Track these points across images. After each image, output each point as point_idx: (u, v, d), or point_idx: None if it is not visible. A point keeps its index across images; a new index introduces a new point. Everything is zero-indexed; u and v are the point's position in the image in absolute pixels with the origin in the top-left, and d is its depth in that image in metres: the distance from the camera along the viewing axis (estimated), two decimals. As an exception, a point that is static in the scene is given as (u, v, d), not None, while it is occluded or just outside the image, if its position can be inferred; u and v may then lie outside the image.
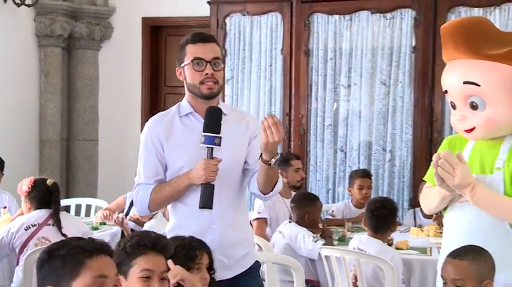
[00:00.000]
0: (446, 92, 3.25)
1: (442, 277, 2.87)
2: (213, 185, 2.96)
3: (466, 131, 3.18)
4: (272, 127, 2.85)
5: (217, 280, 3.09)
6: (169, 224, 3.26)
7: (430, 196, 3.33)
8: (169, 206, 3.24)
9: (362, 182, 5.65)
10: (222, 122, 3.03)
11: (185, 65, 3.11)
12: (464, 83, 3.10)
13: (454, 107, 3.22)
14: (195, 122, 3.12)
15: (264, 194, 3.16)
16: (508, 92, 3.08)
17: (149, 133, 3.19)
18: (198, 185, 2.98)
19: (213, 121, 3.00)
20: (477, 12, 5.93)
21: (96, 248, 2.14)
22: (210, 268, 2.98)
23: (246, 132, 3.22)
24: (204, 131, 2.98)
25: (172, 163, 3.14)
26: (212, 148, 2.97)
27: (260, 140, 3.03)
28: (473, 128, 3.13)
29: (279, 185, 3.17)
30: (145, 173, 3.17)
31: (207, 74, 3.05)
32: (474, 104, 3.11)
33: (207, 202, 2.95)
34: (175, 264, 2.80)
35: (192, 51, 3.09)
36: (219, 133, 2.98)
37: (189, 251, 2.89)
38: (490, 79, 3.07)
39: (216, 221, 3.10)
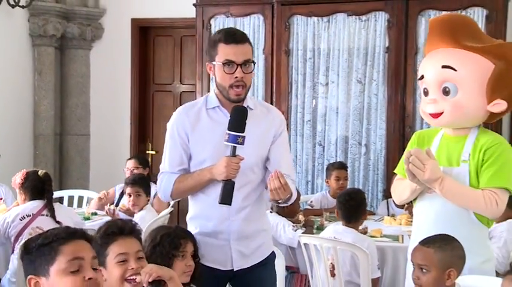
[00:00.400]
0: (422, 77, 3.28)
1: (411, 261, 2.92)
2: (234, 182, 2.93)
3: (433, 115, 3.22)
4: (279, 190, 2.83)
5: (236, 269, 3.14)
6: (190, 213, 3.24)
7: (401, 188, 3.36)
8: (190, 196, 3.20)
9: (339, 174, 5.68)
10: (248, 117, 3.00)
11: (216, 63, 3.04)
12: (443, 67, 3.16)
13: (426, 93, 3.26)
14: (221, 116, 3.08)
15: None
16: (479, 82, 3.14)
17: (175, 123, 3.17)
18: (220, 181, 2.95)
19: (238, 120, 2.96)
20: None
21: (69, 234, 2.15)
22: (195, 256, 2.99)
23: (271, 128, 3.17)
24: (228, 129, 2.94)
25: (196, 154, 3.12)
26: (235, 147, 2.93)
27: (284, 139, 3.16)
28: (441, 113, 3.18)
29: (294, 197, 3.10)
30: (170, 162, 3.16)
31: (236, 77, 2.99)
32: (447, 89, 3.17)
33: (226, 198, 2.93)
34: (162, 252, 2.82)
35: (224, 51, 3.01)
36: (243, 132, 2.93)
37: (173, 239, 2.91)
38: (466, 66, 3.13)
39: (235, 213, 3.09)
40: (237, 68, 2.99)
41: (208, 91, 6.53)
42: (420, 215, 3.33)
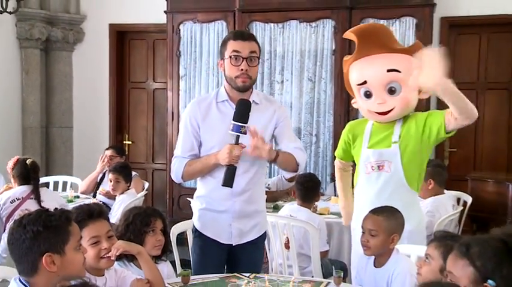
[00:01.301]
0: (364, 83, 3.27)
1: (362, 227, 2.95)
2: (235, 167, 2.95)
3: (382, 113, 3.26)
4: (256, 150, 2.91)
5: (234, 244, 3.16)
6: (198, 192, 3.26)
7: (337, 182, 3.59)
8: (199, 178, 3.21)
9: None
10: (252, 110, 3.01)
11: (225, 59, 3.05)
12: (388, 70, 3.19)
13: (369, 95, 3.27)
14: (229, 109, 3.08)
15: (296, 171, 3.22)
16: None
17: (188, 114, 3.18)
18: (223, 165, 2.97)
19: (242, 112, 2.98)
20: (383, 23, 6.02)
21: (67, 218, 2.16)
22: (164, 231, 3.00)
23: (272, 118, 3.18)
24: (233, 120, 2.96)
25: (205, 141, 3.13)
26: (239, 135, 2.95)
27: (286, 123, 3.20)
28: (391, 110, 3.22)
29: (302, 160, 3.14)
30: (183, 148, 3.16)
31: (242, 69, 3.00)
32: (393, 89, 3.21)
33: (228, 182, 2.96)
34: (134, 229, 2.84)
35: (232, 46, 3.03)
36: (246, 123, 2.95)
37: (144, 217, 2.91)
38: (407, 67, 3.14)
39: (238, 195, 3.10)
40: (242, 61, 3.00)
41: (178, 89, 6.59)
42: (361, 194, 3.40)
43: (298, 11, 6.31)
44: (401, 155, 3.22)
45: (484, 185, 5.63)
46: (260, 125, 3.07)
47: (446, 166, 6.11)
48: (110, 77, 7.62)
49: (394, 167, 3.24)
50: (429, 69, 2.75)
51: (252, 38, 3.11)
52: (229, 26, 6.42)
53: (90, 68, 7.64)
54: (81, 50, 7.68)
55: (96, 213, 2.59)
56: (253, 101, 3.11)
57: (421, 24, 6.05)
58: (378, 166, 3.28)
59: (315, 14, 6.27)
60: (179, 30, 6.65)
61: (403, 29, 6.10)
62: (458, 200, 5.19)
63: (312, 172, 6.16)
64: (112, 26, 7.55)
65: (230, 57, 3.03)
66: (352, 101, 3.49)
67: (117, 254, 2.55)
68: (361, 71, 3.31)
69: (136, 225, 2.88)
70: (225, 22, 6.49)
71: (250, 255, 3.22)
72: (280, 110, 3.25)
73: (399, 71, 3.17)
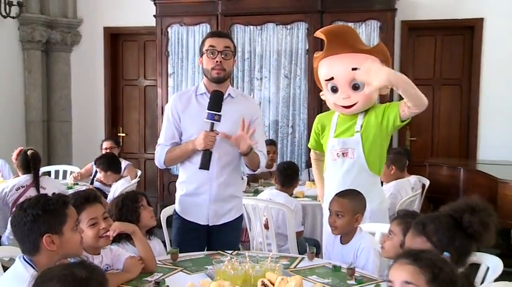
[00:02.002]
0: (331, 79, 3.29)
1: (329, 209, 2.98)
2: (211, 152, 2.96)
3: (347, 107, 3.28)
4: (238, 139, 2.96)
5: (211, 225, 3.15)
6: (180, 179, 3.25)
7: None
8: (180, 165, 3.20)
9: (269, 149, 5.69)
10: (228, 102, 3.04)
11: (203, 53, 3.07)
12: (353, 69, 3.19)
13: (336, 90, 3.29)
14: (207, 101, 3.05)
15: (254, 171, 3.22)
16: None
17: (170, 106, 3.18)
18: (200, 150, 2.98)
19: (215, 102, 2.98)
20: (351, 26, 5.99)
21: (64, 202, 2.16)
22: (149, 204, 3.02)
23: (247, 112, 3.15)
24: (207, 109, 2.97)
25: (185, 130, 3.13)
26: (213, 123, 2.95)
27: (259, 122, 3.19)
28: (354, 104, 3.24)
29: (262, 165, 3.18)
30: (165, 137, 3.17)
31: (217, 61, 3.02)
32: (357, 86, 3.23)
33: (204, 165, 2.96)
34: (128, 210, 2.83)
35: (209, 42, 3.07)
36: (219, 111, 2.95)
37: (132, 198, 2.94)
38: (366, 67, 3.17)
39: (214, 179, 3.10)
40: (217, 54, 3.03)
41: (167, 86, 6.56)
42: (329, 178, 3.42)
43: (274, 14, 6.31)
44: (363, 143, 3.25)
45: (439, 170, 5.69)
46: (235, 116, 3.08)
47: (409, 151, 6.17)
48: (105, 75, 7.57)
49: (356, 154, 3.27)
50: (375, 74, 2.85)
51: (227, 36, 3.18)
52: (212, 28, 6.39)
53: (87, 67, 7.60)
54: (79, 51, 7.62)
55: (92, 197, 2.59)
56: (229, 94, 3.13)
57: (384, 27, 6.08)
58: (343, 153, 3.31)
59: (290, 17, 6.28)
60: (167, 32, 6.62)
61: (368, 31, 6.12)
62: (424, 186, 5.26)
63: (288, 159, 6.18)
64: (106, 29, 7.51)
65: (207, 51, 3.06)
66: (321, 93, 3.51)
67: (114, 234, 2.57)
68: (329, 68, 3.32)
69: (128, 206, 2.88)
70: (209, 25, 6.46)
71: (227, 236, 3.21)
72: (254, 106, 3.29)
73: None
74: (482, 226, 1.97)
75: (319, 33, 3.36)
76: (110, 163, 5.15)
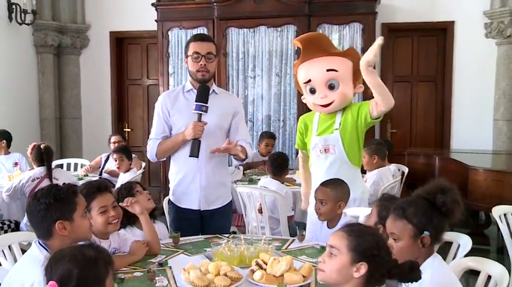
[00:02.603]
0: (309, 81, 3.28)
1: (314, 197, 2.98)
2: (200, 141, 2.97)
3: (324, 106, 3.26)
4: (227, 150, 2.98)
5: (202, 210, 3.16)
6: (171, 171, 3.25)
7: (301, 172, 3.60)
8: (171, 156, 3.20)
9: (268, 141, 5.70)
10: (213, 97, 3.04)
11: (189, 56, 3.07)
12: (328, 70, 3.19)
13: (314, 91, 3.28)
14: (194, 96, 3.07)
15: (243, 161, 3.24)
16: (349, 75, 3.23)
17: (160, 103, 3.18)
18: (190, 140, 2.98)
19: (202, 94, 3.00)
20: (336, 28, 6.15)
21: (74, 191, 2.16)
22: (144, 189, 3.00)
23: (231, 106, 3.19)
24: (195, 101, 2.98)
25: (175, 124, 3.13)
26: (201, 114, 2.96)
27: (241, 115, 3.21)
28: (332, 103, 3.23)
29: (250, 154, 3.20)
30: (156, 131, 3.16)
31: (201, 65, 3.03)
32: (332, 85, 3.21)
33: (194, 152, 2.98)
34: (124, 199, 2.77)
35: (193, 47, 3.06)
36: (206, 103, 2.97)
37: (125, 188, 2.91)
38: (342, 67, 3.19)
39: (203, 167, 3.11)
40: (201, 58, 3.03)
41: (168, 85, 6.54)
42: (315, 173, 3.41)
43: (266, 18, 6.28)
44: (342, 139, 3.24)
45: (417, 159, 5.70)
46: (220, 109, 3.10)
47: (390, 142, 6.18)
48: (111, 75, 7.54)
49: (337, 149, 3.26)
50: (369, 51, 2.86)
51: (209, 39, 3.15)
52: (209, 32, 6.37)
53: (95, 69, 7.56)
54: (87, 54, 7.59)
55: (103, 187, 2.59)
56: (213, 90, 3.13)
57: (366, 29, 6.08)
58: (325, 149, 3.29)
59: (280, 20, 6.26)
60: (168, 35, 6.59)
61: (352, 33, 6.11)
62: (403, 173, 5.27)
63: (280, 150, 6.18)
64: (112, 33, 7.47)
65: (192, 55, 3.05)
66: (302, 97, 3.48)
67: (130, 204, 2.68)
68: (306, 71, 3.30)
69: (123, 195, 2.83)
70: (206, 28, 6.43)
71: (218, 221, 3.21)
72: (237, 102, 3.28)
73: (337, 71, 3.19)
74: (454, 203, 1.99)
75: (295, 42, 3.37)
76: (125, 152, 5.25)
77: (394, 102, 3.01)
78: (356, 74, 3.21)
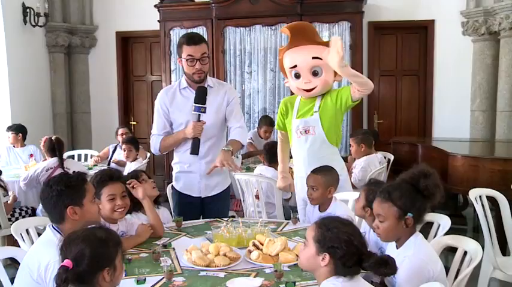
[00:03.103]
0: (295, 66, 3.25)
1: (306, 184, 2.96)
2: (199, 139, 2.96)
3: (307, 90, 3.25)
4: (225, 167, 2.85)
5: (203, 196, 3.15)
6: (174, 160, 3.23)
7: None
8: (174, 148, 3.17)
9: (267, 129, 5.68)
10: (209, 93, 2.99)
11: (182, 59, 2.98)
12: (313, 58, 3.18)
13: (298, 77, 3.26)
14: (190, 94, 3.04)
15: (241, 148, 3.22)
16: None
17: (159, 101, 3.13)
18: (190, 138, 2.97)
19: (200, 96, 2.95)
20: (326, 26, 6.12)
21: (83, 179, 2.17)
22: (149, 177, 2.98)
23: (225, 98, 3.13)
24: (194, 103, 2.94)
25: (175, 120, 3.10)
26: (200, 114, 2.94)
27: (235, 102, 3.13)
28: (314, 88, 3.22)
29: (244, 140, 3.13)
30: (157, 127, 3.12)
31: (196, 68, 2.95)
32: (316, 72, 3.20)
33: (194, 150, 2.97)
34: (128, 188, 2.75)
35: (186, 50, 2.94)
36: (204, 104, 2.93)
37: (132, 177, 2.86)
38: (326, 55, 3.15)
39: (203, 158, 3.08)
40: (196, 62, 2.95)
41: (170, 80, 6.52)
42: (296, 153, 3.40)
43: (261, 17, 6.25)
44: (322, 120, 3.24)
45: (402, 147, 5.71)
46: (216, 103, 3.08)
47: (377, 132, 6.19)
48: (117, 72, 7.51)
49: (317, 130, 3.25)
50: (332, 52, 2.80)
51: (201, 40, 3.00)
52: (208, 30, 6.35)
53: (102, 66, 7.52)
54: (95, 53, 7.55)
55: (115, 176, 2.60)
56: (208, 85, 3.08)
57: (354, 27, 6.05)
58: (305, 131, 3.28)
59: (274, 19, 6.22)
60: (169, 34, 6.55)
61: (340, 31, 6.08)
62: (389, 161, 5.27)
63: (275, 140, 6.15)
64: (118, 33, 7.44)
65: (186, 59, 2.96)
66: (285, 81, 3.47)
67: (134, 189, 2.69)
68: (293, 57, 3.27)
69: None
70: (205, 27, 6.40)
71: (218, 206, 3.21)
72: (230, 91, 3.21)
73: (321, 59, 3.16)
74: (435, 187, 2.00)
75: (284, 30, 3.34)
76: (133, 142, 5.27)
77: (372, 85, 3.03)
78: None
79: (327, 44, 3.22)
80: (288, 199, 4.26)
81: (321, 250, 1.72)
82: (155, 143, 3.12)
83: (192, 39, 2.96)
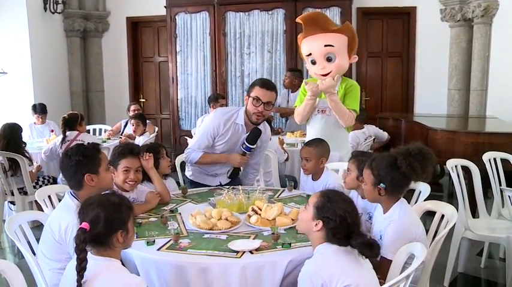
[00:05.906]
0: (310, 54, 3.26)
1: (300, 156, 2.96)
2: (240, 169, 3.11)
3: (324, 75, 3.24)
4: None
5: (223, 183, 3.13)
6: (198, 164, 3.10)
7: (301, 108, 3.36)
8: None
9: (267, 107, 5.57)
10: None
11: (250, 97, 2.85)
12: (325, 45, 3.18)
13: (314, 63, 3.27)
14: (241, 132, 2.96)
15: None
16: (345, 49, 3.21)
17: (213, 124, 2.96)
18: (233, 166, 3.05)
19: (253, 138, 2.93)
20: (318, 10, 5.91)
21: (97, 149, 2.17)
22: (167, 155, 2.96)
23: (263, 142, 3.08)
24: (246, 141, 2.92)
25: (217, 143, 2.98)
26: (246, 152, 2.94)
27: (264, 147, 3.15)
28: (330, 72, 3.22)
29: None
30: (199, 145, 3.00)
31: (259, 110, 2.83)
32: (329, 58, 3.20)
33: (233, 176, 3.09)
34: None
35: (256, 91, 2.82)
36: (253, 145, 2.93)
37: (155, 149, 2.84)
38: (338, 42, 3.17)
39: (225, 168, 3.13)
40: (261, 104, 2.83)
41: (176, 61, 6.44)
42: (311, 129, 3.40)
43: (259, 3, 6.17)
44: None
45: (387, 122, 5.68)
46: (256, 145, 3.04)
47: (364, 108, 6.15)
48: (128, 54, 7.41)
49: (332, 112, 3.26)
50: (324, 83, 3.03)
51: (273, 88, 2.86)
52: (210, 15, 6.27)
53: (114, 49, 7.43)
54: (108, 37, 7.44)
55: (135, 151, 2.59)
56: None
57: (343, 12, 5.97)
58: (322, 110, 3.31)
59: (271, 5, 6.14)
60: (175, 19, 6.44)
61: (331, 15, 5.95)
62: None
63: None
64: (128, 19, 7.32)
65: (253, 98, 2.83)
66: (306, 65, 3.46)
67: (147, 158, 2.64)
68: (308, 46, 3.29)
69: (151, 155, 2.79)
70: (208, 12, 6.31)
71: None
72: (266, 136, 3.10)
73: (333, 46, 3.17)
74: (409, 167, 1.94)
75: (298, 20, 3.32)
76: (141, 118, 5.26)
77: (350, 123, 3.18)
78: (351, 47, 3.21)
79: (340, 31, 3.19)
80: (286, 159, 4.24)
81: (317, 217, 1.71)
82: (194, 156, 3.01)
83: (265, 85, 2.85)
